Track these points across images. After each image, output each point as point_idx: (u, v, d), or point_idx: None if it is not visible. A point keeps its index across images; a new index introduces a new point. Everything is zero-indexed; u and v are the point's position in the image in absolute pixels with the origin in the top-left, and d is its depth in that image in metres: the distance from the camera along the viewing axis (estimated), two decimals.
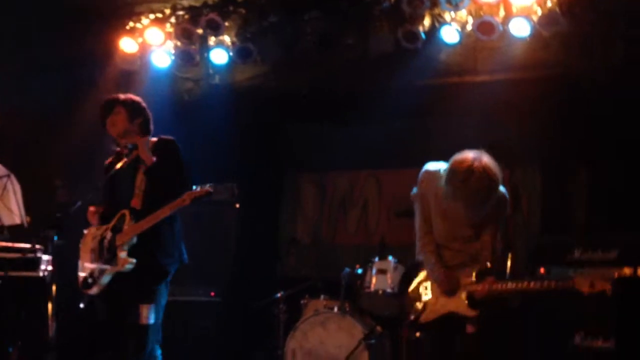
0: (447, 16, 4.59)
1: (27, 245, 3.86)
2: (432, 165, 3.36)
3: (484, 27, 4.51)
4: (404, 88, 4.94)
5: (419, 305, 3.31)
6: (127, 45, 5.12)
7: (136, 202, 3.36)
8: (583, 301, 3.95)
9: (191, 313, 5.02)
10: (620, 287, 1.68)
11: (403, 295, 3.50)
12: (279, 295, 4.88)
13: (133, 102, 3.51)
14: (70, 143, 5.00)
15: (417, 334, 3.59)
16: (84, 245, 3.46)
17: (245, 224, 5.57)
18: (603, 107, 4.65)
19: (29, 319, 3.95)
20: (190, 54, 5.12)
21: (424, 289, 3.33)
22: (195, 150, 5.12)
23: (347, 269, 4.77)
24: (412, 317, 3.32)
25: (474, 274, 3.23)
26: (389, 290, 4.51)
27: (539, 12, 4.40)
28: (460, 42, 4.67)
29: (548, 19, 4.38)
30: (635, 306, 1.64)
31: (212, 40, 5.07)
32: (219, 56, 5.10)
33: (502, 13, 4.48)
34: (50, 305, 3.77)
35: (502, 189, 3.33)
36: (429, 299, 3.29)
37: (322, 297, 4.76)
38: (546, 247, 4.32)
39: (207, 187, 3.28)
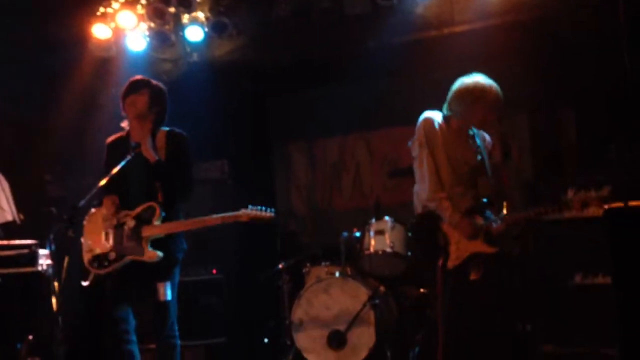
0: None
1: (23, 242, 3.85)
2: (429, 113, 3.48)
3: None
4: (384, 46, 4.90)
5: (441, 254, 3.37)
6: (100, 31, 5.03)
7: (161, 196, 3.40)
8: (581, 241, 4.04)
9: (195, 292, 5.06)
10: (611, 218, 1.70)
11: (421, 247, 3.58)
12: (280, 266, 4.91)
13: (160, 89, 3.53)
14: (54, 136, 4.95)
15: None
16: (92, 223, 3.48)
17: (239, 199, 5.55)
18: (584, 46, 4.63)
19: (35, 315, 3.97)
20: (165, 34, 5.04)
21: (443, 237, 3.38)
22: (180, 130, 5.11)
23: (345, 234, 4.80)
24: (440, 265, 3.36)
25: (481, 213, 3.32)
26: (388, 250, 4.54)
27: None
28: None
29: None
30: (627, 236, 1.66)
31: (185, 17, 4.99)
32: (195, 33, 5.03)
33: None
34: (54, 299, 3.77)
35: (486, 135, 3.47)
36: (450, 246, 3.36)
37: (323, 263, 4.80)
38: (540, 192, 4.36)
39: (271, 213, 3.50)
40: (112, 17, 5.00)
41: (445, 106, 3.46)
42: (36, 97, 5.08)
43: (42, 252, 3.99)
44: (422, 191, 3.41)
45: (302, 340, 4.55)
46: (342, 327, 4.45)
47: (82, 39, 5.08)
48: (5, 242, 3.91)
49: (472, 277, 3.34)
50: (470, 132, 3.49)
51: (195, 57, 5.24)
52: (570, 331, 4.14)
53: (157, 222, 3.37)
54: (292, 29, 4.99)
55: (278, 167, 6.26)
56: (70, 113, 4.97)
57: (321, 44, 5.11)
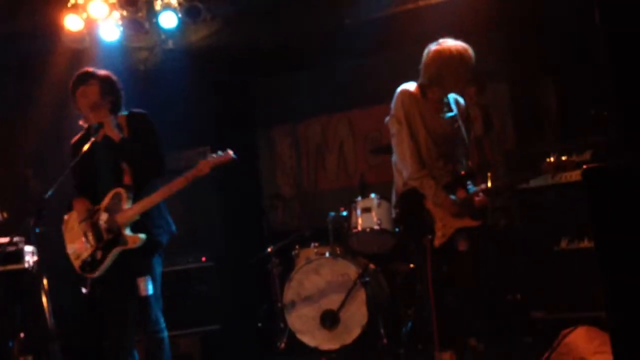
0: None
1: (7, 239, 3.80)
2: (405, 85, 3.39)
3: None
4: (361, 23, 4.86)
5: (427, 231, 3.33)
6: (72, 22, 4.92)
7: (128, 179, 3.30)
8: (565, 207, 4.08)
9: (186, 281, 5.05)
10: (590, 179, 1.70)
11: (406, 226, 3.52)
12: (269, 249, 4.91)
13: (109, 78, 3.43)
14: (32, 130, 4.88)
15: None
16: (69, 231, 3.40)
17: (225, 186, 5.55)
18: (562, 15, 4.62)
19: (25, 312, 3.94)
20: (139, 22, 4.96)
21: (427, 215, 3.32)
22: (161, 120, 5.06)
23: (332, 213, 4.80)
24: (426, 244, 3.32)
25: (463, 186, 3.31)
26: (376, 227, 4.55)
27: None
28: None
29: None
30: (606, 197, 1.67)
31: (158, 4, 4.89)
32: (168, 19, 4.94)
33: None
34: (43, 295, 3.74)
35: (461, 99, 3.45)
36: (436, 224, 3.31)
37: (312, 245, 4.81)
38: (522, 159, 4.38)
39: (228, 152, 3.30)
40: (84, 7, 4.89)
41: (420, 77, 3.36)
42: (11, 92, 5.00)
43: (28, 248, 3.94)
44: (403, 169, 3.33)
45: (295, 322, 4.57)
46: (334, 307, 4.48)
47: (54, 31, 4.98)
48: None
49: (460, 248, 3.32)
50: (445, 100, 3.39)
51: (170, 44, 5.17)
52: (560, 297, 4.19)
53: (127, 206, 3.27)
54: (266, 11, 4.93)
55: (262, 151, 6.24)
56: (47, 107, 4.88)
57: (297, 24, 5.06)
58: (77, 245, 3.35)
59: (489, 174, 3.98)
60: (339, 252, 4.67)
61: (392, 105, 3.37)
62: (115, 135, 3.30)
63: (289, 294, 4.60)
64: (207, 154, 5.33)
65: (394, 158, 3.42)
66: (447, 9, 4.74)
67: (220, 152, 3.34)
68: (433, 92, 3.33)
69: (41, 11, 4.92)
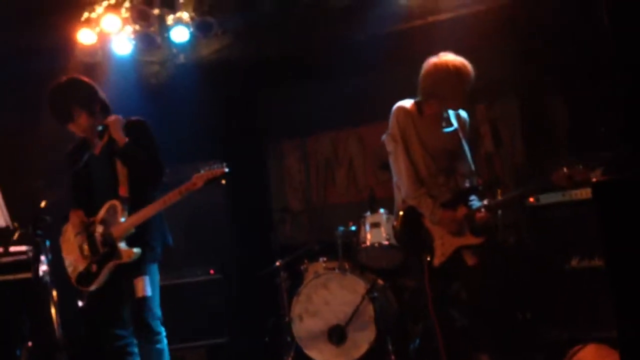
0: None
1: (19, 248, 3.82)
2: (401, 103, 3.37)
3: None
4: (370, 38, 4.89)
5: (426, 251, 3.29)
6: (85, 36, 5.00)
7: (124, 190, 3.24)
8: (576, 225, 4.04)
9: (194, 293, 5.04)
10: (600, 192, 1.68)
11: (405, 246, 3.50)
12: (277, 263, 4.90)
13: (86, 94, 3.29)
14: (44, 143, 4.92)
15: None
16: (66, 242, 3.39)
17: (234, 199, 5.56)
18: (571, 29, 4.62)
19: (33, 321, 3.94)
20: (151, 36, 5.02)
21: (426, 234, 3.30)
22: (172, 133, 5.09)
23: (341, 228, 4.79)
24: (426, 263, 3.29)
25: (464, 203, 3.27)
26: (384, 242, 4.54)
27: None
28: None
29: None
30: (617, 211, 1.65)
31: (170, 19, 4.96)
32: (180, 34, 5.00)
33: None
34: (52, 305, 3.74)
35: (463, 112, 3.40)
36: (435, 243, 3.28)
37: (320, 259, 4.79)
38: (531, 175, 4.36)
39: (222, 166, 3.24)
40: (97, 21, 4.97)
41: (418, 91, 3.33)
42: (24, 105, 5.05)
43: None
44: (401, 186, 3.31)
45: (302, 336, 4.54)
46: (342, 322, 4.45)
47: (67, 45, 5.05)
48: (0, 249, 3.87)
49: (469, 262, 3.27)
50: (445, 114, 3.35)
51: (182, 58, 5.22)
52: (570, 316, 4.13)
53: (122, 219, 3.22)
54: (277, 25, 4.97)
55: (271, 165, 6.25)
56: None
57: (307, 38, 5.09)
58: (73, 257, 3.34)
59: (499, 191, 3.97)
60: (347, 267, 4.65)
61: (389, 122, 3.35)
62: (121, 137, 3.23)
63: (296, 308, 4.58)
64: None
65: (396, 180, 3.40)
66: (457, 25, 4.76)
67: (215, 166, 3.28)
68: (430, 106, 3.28)
69: (55, 26, 5.00)
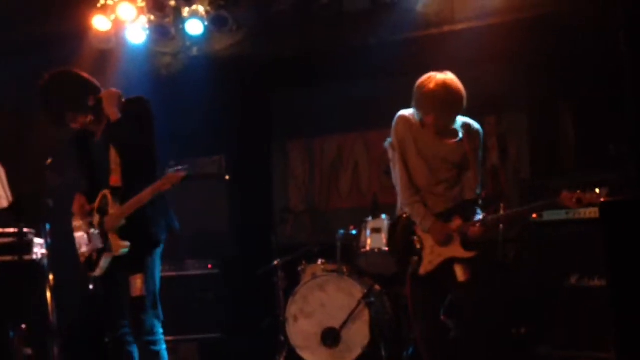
0: None
1: (18, 230, 3.80)
2: (403, 111, 3.37)
3: None
4: (384, 44, 4.89)
5: (415, 258, 3.30)
6: (100, 23, 5.02)
7: (115, 180, 3.16)
8: (577, 244, 4.02)
9: (191, 286, 5.06)
10: (607, 213, 1.67)
11: (395, 252, 3.50)
12: (276, 262, 4.90)
13: (73, 94, 3.14)
14: (52, 127, 4.94)
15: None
16: (75, 227, 3.37)
17: (237, 195, 5.57)
18: (586, 46, 4.62)
19: (29, 303, 3.94)
20: (165, 27, 5.04)
21: (416, 242, 3.31)
22: (179, 125, 5.12)
23: (342, 231, 4.79)
24: (410, 271, 3.31)
25: (461, 215, 3.24)
26: (384, 248, 4.52)
27: None
28: None
29: None
30: (623, 232, 1.63)
31: (185, 11, 4.98)
32: (195, 27, 5.01)
33: None
34: (48, 289, 3.74)
35: (476, 124, 3.36)
36: (424, 251, 3.27)
37: (319, 261, 4.78)
38: (537, 191, 4.33)
39: (183, 170, 3.08)
40: (113, 9, 4.99)
41: None
42: (35, 88, 5.06)
43: (38, 240, 3.95)
44: (398, 193, 3.34)
45: (296, 337, 4.53)
46: (336, 325, 4.44)
47: (82, 30, 5.07)
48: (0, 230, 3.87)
49: (460, 279, 3.25)
50: (453, 127, 3.31)
51: (195, 51, 5.23)
52: (566, 334, 4.12)
53: (112, 210, 3.13)
54: (291, 24, 4.98)
55: (276, 164, 6.24)
56: None
57: (321, 39, 5.10)
58: (81, 243, 3.32)
59: (502, 205, 3.95)
60: (345, 270, 4.64)
61: (391, 130, 3.37)
62: (114, 113, 3.10)
63: (292, 309, 4.57)
64: (221, 161, 5.43)
65: (394, 182, 3.41)
66: (470, 36, 4.76)
67: (179, 167, 3.13)
68: (427, 118, 3.27)
69: (71, 13, 5.02)
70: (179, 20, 5.03)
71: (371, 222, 4.65)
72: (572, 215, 4.00)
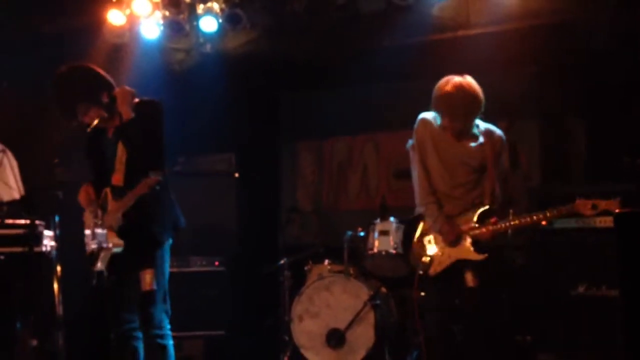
0: None
1: (28, 221, 3.82)
2: (426, 113, 3.42)
3: None
4: (398, 46, 4.88)
5: (426, 259, 3.33)
6: (114, 17, 5.04)
7: (117, 178, 3.17)
8: (585, 253, 4.00)
9: (197, 283, 5.06)
10: (621, 224, 1.67)
11: (407, 251, 3.53)
12: (282, 262, 4.90)
13: (87, 87, 3.15)
14: (61, 120, 4.97)
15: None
16: (85, 221, 3.37)
17: (245, 193, 5.57)
18: (600, 54, 4.60)
19: (36, 295, 3.95)
20: (180, 23, 5.05)
21: (428, 242, 3.35)
22: (189, 122, 5.13)
23: (349, 233, 4.78)
24: (420, 271, 3.33)
25: (475, 218, 3.26)
26: (392, 251, 4.52)
27: None
28: None
29: None
30: (637, 240, 1.63)
31: (200, 8, 4.99)
32: (209, 24, 5.03)
33: None
34: (55, 281, 3.75)
35: (498, 131, 3.39)
36: (435, 252, 3.31)
37: (325, 262, 4.78)
38: (547, 200, 4.31)
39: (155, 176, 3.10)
40: (128, 4, 5.01)
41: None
42: (49, 81, 5.09)
43: (47, 233, 3.97)
44: (415, 194, 3.39)
45: (300, 337, 4.53)
46: (341, 326, 4.44)
47: (96, 25, 5.09)
48: (10, 221, 3.88)
49: (469, 284, 3.27)
50: (474, 131, 3.36)
51: (208, 48, 5.23)
52: (572, 343, 4.10)
53: (110, 208, 3.15)
54: (306, 25, 4.98)
55: (285, 164, 6.25)
56: None
57: (334, 41, 5.09)
58: (88, 235, 3.32)
59: (511, 211, 3.94)
60: (352, 272, 4.63)
61: (413, 132, 3.43)
62: (127, 112, 3.12)
63: (297, 308, 4.57)
64: (230, 159, 5.44)
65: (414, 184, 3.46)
66: (485, 41, 4.75)
67: (151, 174, 3.14)
68: (445, 122, 3.31)
69: (86, 8, 5.04)
70: (194, 16, 5.04)
71: (379, 225, 4.64)
72: (582, 224, 3.98)
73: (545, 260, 4.35)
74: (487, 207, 3.32)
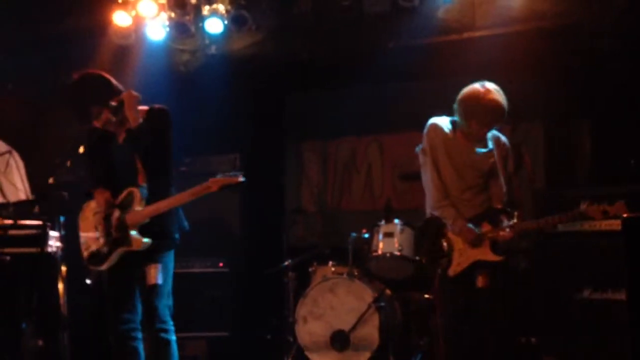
0: None
1: (34, 222, 3.84)
2: (436, 118, 3.49)
3: None
4: (403, 48, 4.88)
5: (444, 260, 3.37)
6: (120, 18, 5.05)
7: (142, 179, 3.26)
8: (591, 256, 3.99)
9: (201, 284, 5.07)
10: (630, 228, 1.67)
11: (422, 253, 3.58)
12: (286, 263, 4.90)
13: (102, 90, 3.25)
14: (68, 120, 4.98)
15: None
16: (84, 220, 3.40)
17: (250, 194, 5.57)
18: (605, 57, 4.59)
19: (41, 296, 3.97)
20: (185, 24, 5.06)
21: (445, 244, 3.38)
22: (195, 123, 5.13)
23: (354, 234, 4.78)
24: (439, 272, 3.37)
25: (489, 221, 3.31)
26: (396, 253, 4.52)
27: None
28: None
29: None
30: None
31: (206, 9, 5.00)
32: (214, 25, 5.04)
33: None
34: (60, 282, 3.77)
35: (503, 137, 3.47)
36: (454, 253, 3.37)
37: (330, 263, 4.79)
38: (552, 202, 4.30)
39: (239, 176, 3.22)
40: (134, 5, 5.02)
41: (455, 111, 3.46)
42: (54, 82, 5.11)
43: (53, 233, 3.98)
44: (428, 198, 3.45)
45: (304, 338, 4.54)
46: (345, 328, 4.44)
47: (102, 26, 5.11)
48: (24, 222, 3.90)
49: (479, 285, 3.32)
50: (493, 129, 3.47)
51: (213, 49, 5.24)
52: (575, 346, 4.09)
53: (138, 208, 3.21)
54: (311, 26, 4.98)
55: (289, 165, 6.25)
56: None
57: (340, 42, 5.10)
58: (89, 236, 3.35)
59: (516, 213, 3.95)
60: (356, 273, 4.63)
61: (423, 136, 3.49)
62: (134, 117, 3.21)
63: (301, 310, 4.57)
64: (235, 160, 5.45)
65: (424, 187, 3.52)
66: (490, 44, 4.75)
67: (231, 173, 3.29)
68: (464, 127, 3.41)
69: (91, 9, 5.06)
70: (199, 18, 5.05)
71: (384, 226, 4.64)
72: (588, 227, 3.98)
73: (550, 263, 4.34)
74: (498, 209, 3.37)
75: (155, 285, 3.16)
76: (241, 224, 5.54)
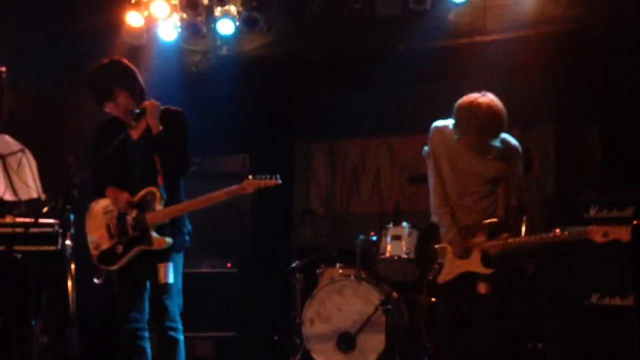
0: None
1: (46, 220, 3.87)
2: (440, 122, 3.40)
3: None
4: (414, 51, 4.89)
5: (436, 266, 3.36)
6: (133, 19, 5.09)
7: (162, 179, 3.26)
8: (599, 262, 3.97)
9: (210, 284, 5.08)
10: (639, 234, 1.66)
11: (420, 258, 3.56)
12: (294, 264, 4.91)
13: (129, 75, 3.30)
14: (80, 119, 5.02)
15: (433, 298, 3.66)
16: (92, 219, 3.39)
17: (259, 195, 5.56)
18: (616, 62, 4.57)
19: (51, 294, 3.99)
20: (197, 25, 5.09)
21: (441, 250, 3.37)
22: (205, 123, 5.13)
23: (362, 237, 4.79)
24: (430, 277, 3.37)
25: (486, 232, 3.26)
26: (404, 256, 4.52)
27: None
28: (469, 1, 4.61)
29: None
30: None
31: (218, 10, 5.03)
32: (226, 26, 5.06)
33: None
34: (70, 280, 3.79)
35: (514, 141, 3.37)
36: (446, 260, 3.34)
37: (337, 265, 4.79)
38: (561, 207, 4.30)
39: (276, 179, 3.25)
40: (146, 5, 5.06)
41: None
42: (66, 81, 5.15)
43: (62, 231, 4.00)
44: (431, 202, 3.41)
45: (311, 340, 4.54)
46: (352, 330, 4.44)
47: (115, 26, 5.14)
48: (28, 220, 3.93)
49: (480, 291, 3.29)
50: (490, 141, 3.32)
51: (225, 50, 5.27)
52: (582, 352, 4.07)
53: (159, 207, 3.22)
54: (322, 28, 5.00)
55: (298, 166, 6.26)
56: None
57: (351, 44, 5.11)
58: (98, 234, 3.35)
59: (524, 218, 3.93)
60: (364, 276, 4.64)
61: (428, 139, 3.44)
62: (155, 125, 3.22)
63: (308, 311, 4.58)
64: (245, 161, 5.46)
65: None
66: (501, 47, 4.75)
67: (267, 176, 3.31)
68: (471, 141, 3.29)
69: (104, 9, 5.10)
70: (211, 19, 5.08)
71: (392, 229, 4.65)
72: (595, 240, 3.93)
73: (558, 268, 4.32)
74: (498, 221, 3.30)
75: (167, 284, 3.18)
76: (250, 225, 5.55)
